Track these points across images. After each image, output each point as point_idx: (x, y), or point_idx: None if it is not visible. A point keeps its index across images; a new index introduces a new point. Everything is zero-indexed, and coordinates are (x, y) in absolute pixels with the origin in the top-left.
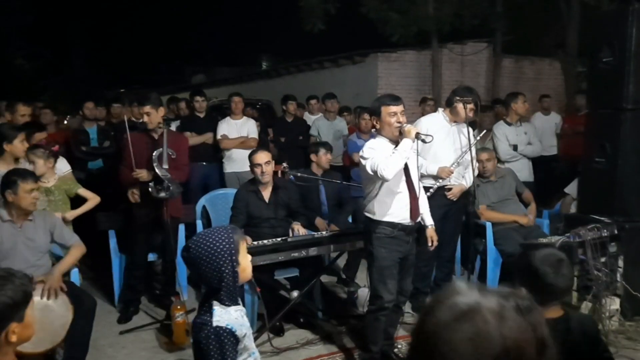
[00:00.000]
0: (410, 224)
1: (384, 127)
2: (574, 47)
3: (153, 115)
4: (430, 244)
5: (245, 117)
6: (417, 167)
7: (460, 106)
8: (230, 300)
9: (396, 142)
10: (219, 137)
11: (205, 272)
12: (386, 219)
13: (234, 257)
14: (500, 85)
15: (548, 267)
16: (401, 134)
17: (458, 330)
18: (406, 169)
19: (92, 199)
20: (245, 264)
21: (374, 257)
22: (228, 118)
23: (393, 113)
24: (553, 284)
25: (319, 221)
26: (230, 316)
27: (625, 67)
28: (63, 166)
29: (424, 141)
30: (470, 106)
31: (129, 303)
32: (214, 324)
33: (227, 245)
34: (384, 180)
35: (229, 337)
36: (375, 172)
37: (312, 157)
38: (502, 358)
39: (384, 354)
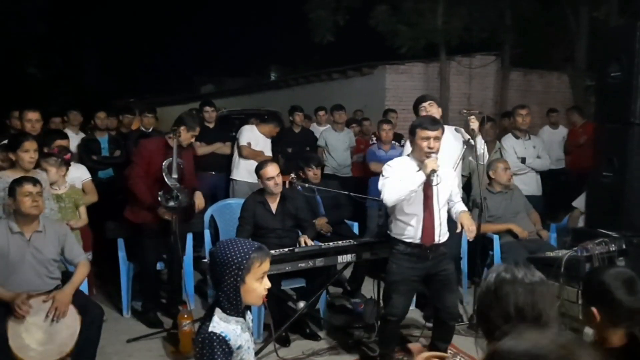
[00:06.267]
0: (421, 243)
1: (415, 148)
2: (583, 61)
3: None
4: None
5: None
6: (438, 193)
7: (421, 112)
8: (232, 310)
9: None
10: (243, 143)
11: (214, 273)
12: (399, 237)
13: (240, 272)
14: (508, 98)
15: (620, 284)
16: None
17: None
18: (426, 193)
19: (83, 220)
20: (254, 287)
21: (386, 270)
22: (254, 127)
23: (426, 137)
24: (626, 304)
25: (320, 220)
26: (228, 325)
27: (634, 81)
28: (82, 174)
29: (430, 181)
30: (427, 103)
31: (148, 309)
32: (209, 329)
33: (239, 258)
34: (385, 203)
35: (221, 344)
36: (381, 192)
37: (301, 172)
38: None
39: None
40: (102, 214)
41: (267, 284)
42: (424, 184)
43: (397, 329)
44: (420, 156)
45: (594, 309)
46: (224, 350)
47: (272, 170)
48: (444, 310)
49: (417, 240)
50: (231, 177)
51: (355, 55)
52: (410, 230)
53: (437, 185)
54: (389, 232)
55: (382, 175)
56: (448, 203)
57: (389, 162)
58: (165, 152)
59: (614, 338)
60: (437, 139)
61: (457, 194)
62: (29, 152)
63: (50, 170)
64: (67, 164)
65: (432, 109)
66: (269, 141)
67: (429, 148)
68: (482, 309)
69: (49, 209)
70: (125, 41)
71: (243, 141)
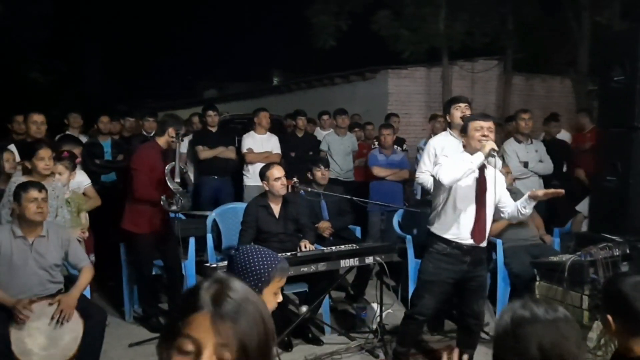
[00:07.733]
0: (470, 243)
1: (469, 142)
2: (585, 66)
3: None
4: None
5: (268, 133)
6: (495, 192)
7: (455, 112)
8: None
9: None
10: (244, 150)
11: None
12: (442, 234)
13: (260, 284)
14: (510, 103)
15: (639, 295)
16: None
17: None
18: (481, 188)
19: (84, 226)
20: (269, 300)
21: (421, 268)
22: (252, 132)
23: (479, 127)
24: None
25: (323, 224)
26: None
27: (637, 86)
28: (84, 179)
29: (493, 156)
30: (463, 105)
31: (150, 314)
32: None
33: (261, 269)
34: (441, 184)
35: None
36: (435, 175)
37: (309, 174)
38: None
39: None
40: (105, 218)
41: (279, 298)
42: (479, 178)
43: (420, 329)
44: (475, 145)
45: (609, 317)
46: None
47: (277, 171)
48: (472, 316)
49: (466, 240)
50: (243, 184)
51: (358, 60)
52: (455, 228)
53: (495, 167)
54: (430, 228)
55: (439, 162)
56: (500, 207)
57: (445, 153)
58: (161, 156)
59: (636, 348)
60: (491, 130)
61: (509, 197)
62: (44, 160)
63: (64, 173)
64: (75, 169)
65: (468, 112)
66: (272, 141)
67: (483, 136)
68: (499, 353)
69: (61, 217)
70: (128, 46)
71: (244, 149)
